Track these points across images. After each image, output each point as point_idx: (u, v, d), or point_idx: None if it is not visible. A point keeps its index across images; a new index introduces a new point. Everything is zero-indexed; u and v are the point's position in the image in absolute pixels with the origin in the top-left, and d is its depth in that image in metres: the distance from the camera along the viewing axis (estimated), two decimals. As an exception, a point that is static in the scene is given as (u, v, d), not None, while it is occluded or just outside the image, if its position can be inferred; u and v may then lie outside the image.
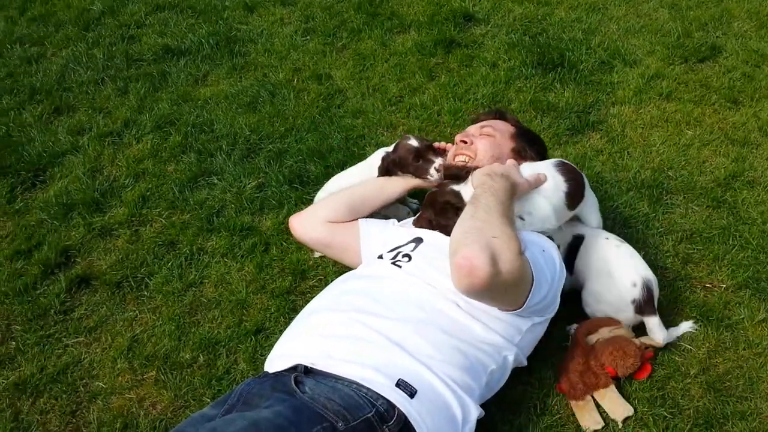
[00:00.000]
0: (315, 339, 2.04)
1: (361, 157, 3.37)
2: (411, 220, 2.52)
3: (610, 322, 2.39)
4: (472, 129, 2.67)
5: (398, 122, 3.66)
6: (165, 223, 3.08)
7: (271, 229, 3.01)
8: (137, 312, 2.69)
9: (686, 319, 2.50)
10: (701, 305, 2.57)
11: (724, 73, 3.84)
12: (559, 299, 2.23)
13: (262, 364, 2.39)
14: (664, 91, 3.70)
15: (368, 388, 1.82)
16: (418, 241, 2.34)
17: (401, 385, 1.85)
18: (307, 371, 1.92)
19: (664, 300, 2.58)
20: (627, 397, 2.27)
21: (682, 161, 3.25)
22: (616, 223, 2.92)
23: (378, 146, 3.45)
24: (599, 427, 2.19)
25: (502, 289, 1.96)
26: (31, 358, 2.53)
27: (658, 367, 2.37)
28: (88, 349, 2.57)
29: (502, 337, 2.09)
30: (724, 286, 2.65)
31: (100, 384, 2.43)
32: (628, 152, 3.34)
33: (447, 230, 2.20)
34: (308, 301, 2.57)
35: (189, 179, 3.31)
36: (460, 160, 2.55)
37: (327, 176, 3.22)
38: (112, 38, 4.63)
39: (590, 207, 2.54)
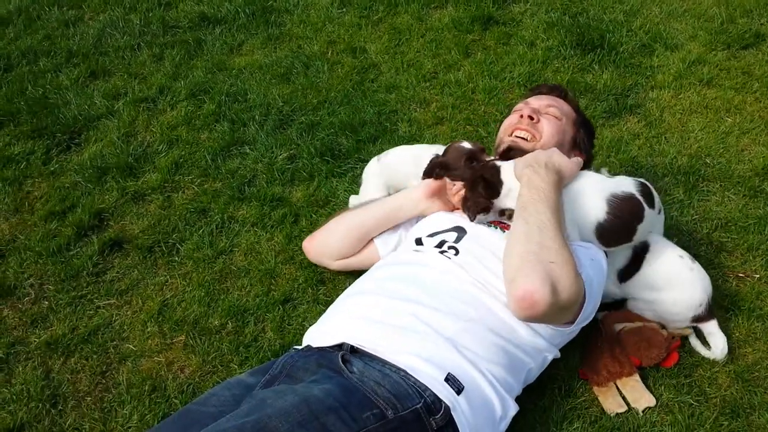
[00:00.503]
0: (363, 322, 2.00)
1: (394, 132, 3.37)
2: None
3: (642, 317, 2.37)
4: (538, 105, 2.45)
5: (432, 99, 3.64)
6: (197, 191, 3.11)
7: (301, 201, 3.02)
8: (168, 277, 2.72)
9: (719, 308, 2.47)
10: (733, 294, 2.54)
11: (767, 61, 3.76)
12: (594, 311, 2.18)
13: (290, 333, 2.45)
14: (705, 77, 3.62)
15: (416, 379, 1.80)
16: (460, 231, 2.26)
17: (450, 379, 1.83)
18: (353, 351, 1.90)
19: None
20: (653, 383, 2.26)
21: (720, 149, 3.19)
22: (649, 208, 2.88)
23: (411, 122, 3.45)
24: (622, 410, 2.18)
25: (559, 312, 1.94)
26: (63, 318, 2.58)
27: (686, 354, 2.35)
28: (119, 312, 2.61)
29: (546, 341, 2.07)
30: (758, 276, 2.61)
31: (130, 346, 2.47)
32: (665, 137, 3.28)
33: (471, 204, 2.19)
34: (335, 275, 2.61)
35: (222, 148, 3.32)
36: (519, 136, 2.38)
37: (358, 150, 3.24)
38: (149, 4, 4.64)
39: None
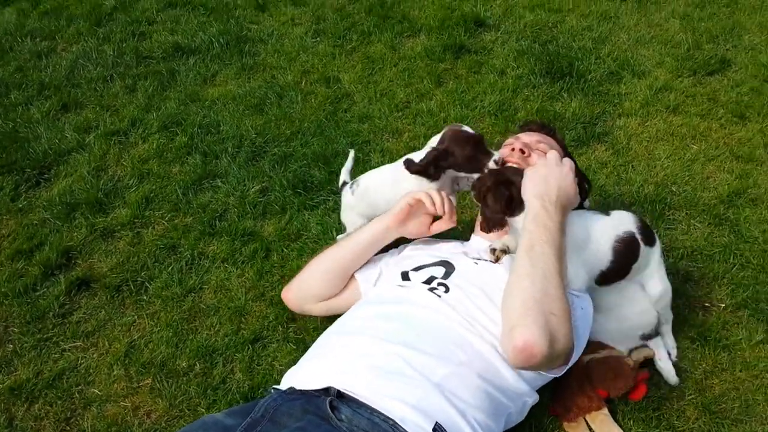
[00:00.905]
0: (350, 365, 1.94)
1: (366, 163, 3.38)
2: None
3: (605, 346, 2.38)
4: (528, 139, 2.44)
5: (404, 128, 3.65)
6: (167, 226, 3.09)
7: (272, 235, 3.01)
8: (136, 317, 2.70)
9: (685, 338, 2.50)
10: (699, 325, 2.56)
11: (733, 87, 3.81)
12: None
13: (258, 374, 2.44)
14: (671, 103, 3.68)
15: (404, 429, 1.76)
16: (448, 266, 2.24)
17: (437, 430, 1.79)
18: (340, 395, 1.85)
19: (662, 320, 2.58)
20: (622, 417, 2.27)
21: (686, 176, 3.23)
22: (617, 238, 2.91)
23: (383, 152, 3.46)
24: None
25: (551, 363, 1.92)
26: (28, 362, 2.54)
27: (653, 387, 2.36)
28: (85, 354, 2.58)
29: (528, 385, 2.05)
30: (723, 305, 2.64)
31: (96, 391, 2.44)
32: (632, 165, 3.32)
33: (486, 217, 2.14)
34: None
35: (193, 181, 3.32)
36: None
37: (330, 182, 3.23)
38: (123, 34, 4.64)
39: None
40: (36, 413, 2.38)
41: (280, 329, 2.59)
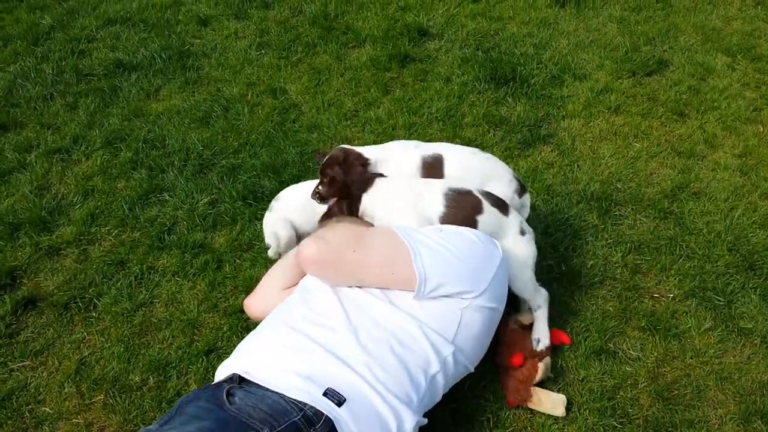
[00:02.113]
0: (254, 349, 2.06)
1: (316, 171, 3.36)
2: None
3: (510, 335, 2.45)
4: None
5: (353, 136, 3.66)
6: (114, 242, 3.03)
7: (224, 246, 2.98)
8: (85, 334, 2.63)
9: (635, 329, 2.56)
10: (650, 315, 2.62)
11: (671, 86, 3.94)
12: (488, 282, 2.17)
13: (214, 384, 2.39)
14: (612, 104, 3.78)
15: (293, 397, 1.83)
16: None
17: (329, 393, 1.85)
18: (242, 381, 1.93)
19: (613, 310, 2.63)
20: (578, 409, 2.31)
21: (630, 173, 3.32)
22: (566, 234, 2.96)
23: (332, 161, 3.45)
24: (564, 403, 2.28)
25: (348, 253, 2.12)
26: (-26, 384, 2.46)
27: (607, 377, 2.40)
28: (35, 373, 2.50)
29: (436, 332, 2.06)
30: (672, 295, 2.71)
31: (47, 409, 2.37)
32: (578, 165, 3.39)
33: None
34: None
35: (140, 196, 3.26)
36: None
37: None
38: (62, 53, 4.54)
39: None
40: (-16, 435, 2.30)
41: (235, 339, 2.55)
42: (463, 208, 2.35)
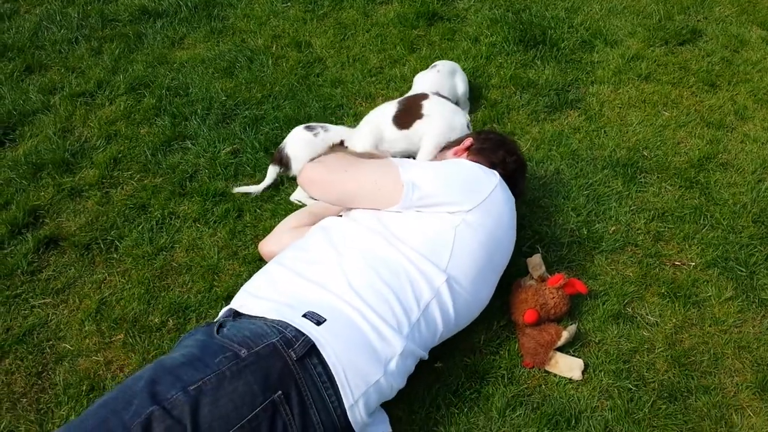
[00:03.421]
0: (249, 286, 2.13)
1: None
2: None
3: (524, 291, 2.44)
4: None
5: (377, 93, 3.63)
6: (136, 186, 3.04)
7: (245, 196, 2.98)
8: (106, 274, 2.65)
9: (654, 296, 2.54)
10: (670, 282, 2.60)
11: (704, 56, 3.86)
12: (482, 198, 2.18)
13: (232, 329, 2.41)
14: (643, 72, 3.71)
15: (272, 320, 1.87)
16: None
17: (308, 315, 1.88)
18: (237, 315, 1.99)
19: (633, 276, 2.62)
20: (593, 370, 2.30)
21: (658, 141, 3.27)
22: (589, 200, 2.94)
23: (356, 117, 3.43)
24: (581, 367, 2.27)
25: (341, 174, 2.27)
26: (-4, 318, 2.49)
27: (624, 341, 2.40)
28: (55, 311, 2.53)
29: (427, 258, 2.04)
30: (693, 264, 2.68)
31: (67, 346, 2.40)
32: (604, 131, 3.34)
33: None
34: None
35: (162, 143, 3.25)
36: None
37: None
38: (88, -3, 4.52)
39: None
40: (7, 368, 2.33)
41: (254, 287, 2.56)
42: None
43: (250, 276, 2.53)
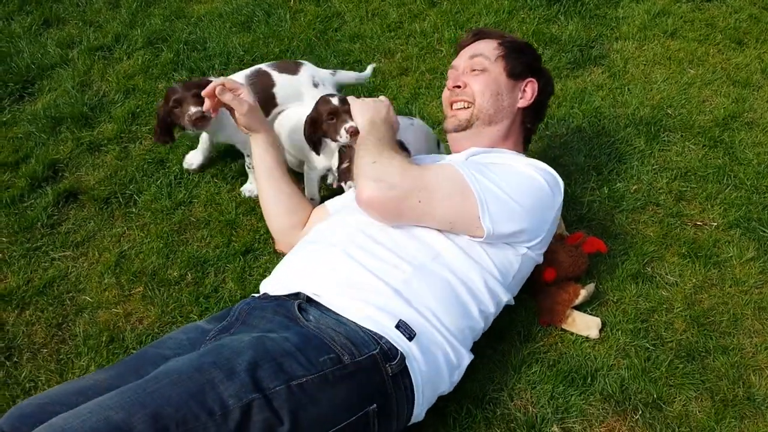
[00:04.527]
0: (317, 272, 1.98)
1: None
2: None
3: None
4: (461, 64, 2.42)
5: (396, 49, 3.58)
6: (154, 141, 3.03)
7: (262, 152, 2.96)
8: (125, 228, 2.67)
9: (675, 256, 2.52)
10: (691, 242, 2.57)
11: (731, 13, 3.75)
12: (544, 231, 2.13)
13: (251, 284, 2.43)
14: (669, 28, 3.62)
15: (369, 328, 1.80)
16: None
17: (401, 326, 1.83)
18: (309, 301, 1.90)
19: (654, 235, 2.59)
20: (610, 329, 2.29)
21: (682, 100, 3.20)
22: (611, 158, 2.90)
23: (375, 72, 3.37)
24: (598, 326, 2.26)
25: (414, 202, 1.96)
26: (17, 270, 2.51)
27: (642, 300, 2.38)
28: (75, 264, 2.55)
29: (496, 279, 2.05)
30: (715, 224, 2.65)
31: (87, 298, 2.43)
32: (628, 88, 3.28)
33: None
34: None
35: (180, 98, 3.24)
36: (458, 108, 2.37)
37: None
38: (104, -50, 4.46)
39: None
40: (27, 319, 2.36)
41: (271, 242, 2.56)
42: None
43: (267, 232, 2.56)
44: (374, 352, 1.75)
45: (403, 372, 1.79)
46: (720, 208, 2.70)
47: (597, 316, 2.30)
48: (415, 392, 1.83)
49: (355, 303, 1.87)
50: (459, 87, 2.37)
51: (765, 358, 2.23)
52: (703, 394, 2.13)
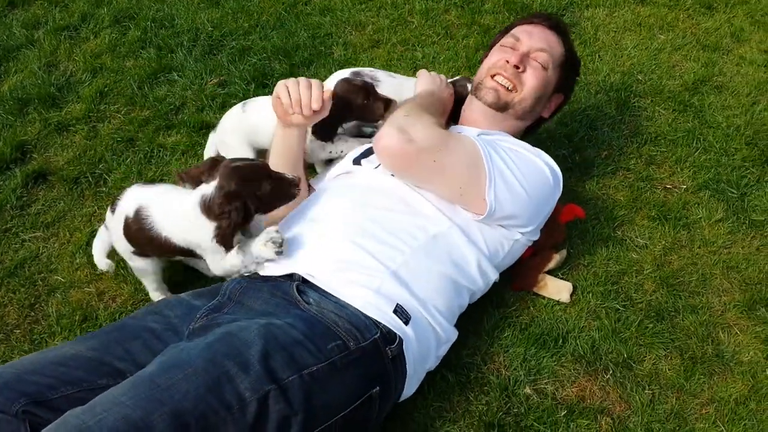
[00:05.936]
0: (312, 253, 1.95)
1: (328, 56, 3.30)
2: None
3: None
4: (532, 45, 2.29)
5: (367, 21, 3.55)
6: (123, 120, 3.00)
7: (233, 127, 2.94)
8: (96, 208, 2.65)
9: (644, 219, 2.54)
10: (660, 205, 2.60)
11: (701, -23, 3.76)
12: (537, 221, 2.18)
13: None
14: (639, -6, 3.63)
15: (367, 313, 1.81)
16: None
17: (398, 310, 1.84)
18: (305, 282, 1.88)
19: (624, 199, 2.61)
20: (581, 292, 2.32)
21: (653, 65, 3.22)
22: (582, 125, 2.91)
23: (346, 46, 3.37)
24: (569, 290, 2.29)
25: (428, 161, 1.96)
26: (-12, 252, 2.50)
27: (613, 263, 2.41)
28: (46, 244, 2.53)
29: (488, 259, 2.09)
30: (684, 187, 2.68)
31: (59, 278, 2.41)
32: (599, 55, 3.29)
33: None
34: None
35: (148, 75, 3.20)
36: (500, 83, 2.27)
37: (292, 74, 3.11)
38: (68, -72, 4.38)
39: None
40: None
41: (245, 217, 2.55)
42: None
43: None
44: (376, 336, 1.77)
45: (400, 354, 1.81)
46: (689, 170, 2.73)
47: (568, 280, 2.33)
48: (407, 371, 1.85)
49: (352, 287, 1.86)
50: (518, 68, 2.27)
51: (733, 316, 2.27)
52: (673, 353, 2.17)
